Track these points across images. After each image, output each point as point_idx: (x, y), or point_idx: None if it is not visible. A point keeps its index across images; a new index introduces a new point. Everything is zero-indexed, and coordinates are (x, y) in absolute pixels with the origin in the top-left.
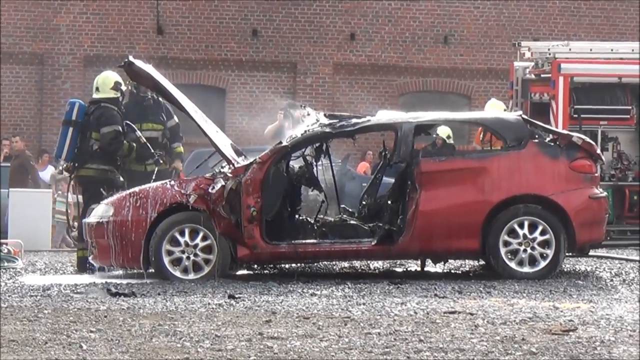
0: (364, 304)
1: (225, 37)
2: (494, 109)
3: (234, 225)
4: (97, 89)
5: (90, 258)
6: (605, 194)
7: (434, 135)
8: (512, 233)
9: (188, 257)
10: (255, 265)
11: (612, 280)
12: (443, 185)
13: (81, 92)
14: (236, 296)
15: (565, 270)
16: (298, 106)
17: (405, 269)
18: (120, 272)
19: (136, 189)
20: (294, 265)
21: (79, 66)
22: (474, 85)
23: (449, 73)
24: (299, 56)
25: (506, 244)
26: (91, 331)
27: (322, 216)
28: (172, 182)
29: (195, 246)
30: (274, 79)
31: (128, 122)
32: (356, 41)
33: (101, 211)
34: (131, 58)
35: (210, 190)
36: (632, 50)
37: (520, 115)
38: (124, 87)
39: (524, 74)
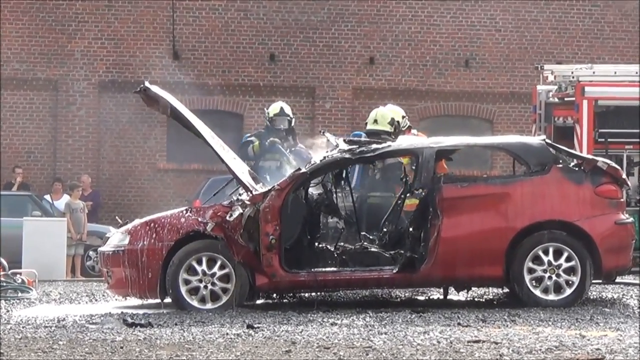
0: (385, 333)
1: (242, 61)
2: (391, 114)
3: (252, 253)
4: (375, 121)
5: (105, 288)
6: (631, 219)
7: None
8: (537, 260)
9: (205, 286)
10: (274, 294)
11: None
12: (465, 211)
13: (96, 119)
14: (255, 326)
15: (592, 297)
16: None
17: (427, 297)
18: (137, 302)
19: (153, 216)
20: (313, 294)
21: (94, 92)
22: (496, 109)
23: (471, 97)
24: (318, 80)
25: (531, 271)
26: None
27: (342, 244)
28: (189, 210)
29: (213, 275)
30: (292, 103)
31: None
32: (376, 65)
33: (117, 240)
34: (147, 84)
35: (228, 218)
36: None
37: (544, 140)
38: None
39: (547, 98)
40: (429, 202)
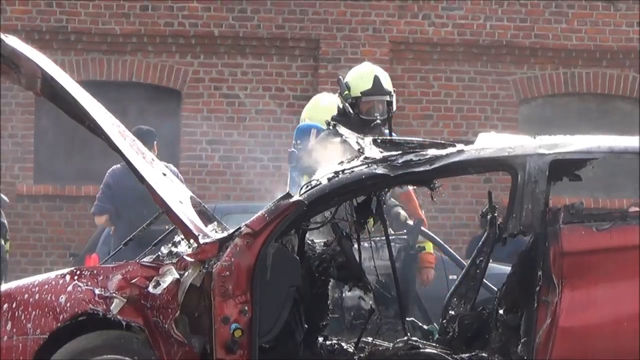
0: None
1: None
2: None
3: (197, 356)
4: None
5: None
6: None
7: None
8: None
9: None
10: None
11: None
12: (605, 277)
13: None
14: None
15: None
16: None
17: None
18: None
19: (9, 285)
20: None
21: None
22: None
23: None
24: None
25: None
26: None
27: (370, 339)
28: (78, 273)
29: None
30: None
31: None
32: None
33: None
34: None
35: (151, 289)
36: None
37: None
38: None
39: None
40: (536, 259)
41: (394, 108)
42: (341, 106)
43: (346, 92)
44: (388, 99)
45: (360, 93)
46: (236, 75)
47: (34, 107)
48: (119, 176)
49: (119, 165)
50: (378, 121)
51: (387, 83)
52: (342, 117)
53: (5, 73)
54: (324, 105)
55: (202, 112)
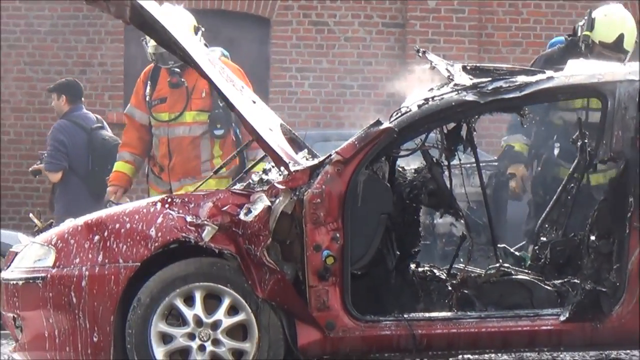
0: None
1: None
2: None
3: (288, 283)
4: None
5: (11, 350)
6: None
7: None
8: None
9: (202, 347)
10: None
11: None
12: None
13: None
14: None
15: None
16: None
17: None
18: None
19: (98, 214)
20: None
21: None
22: None
23: None
24: None
25: None
26: None
27: (462, 265)
28: (169, 201)
29: (216, 325)
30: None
31: None
32: None
33: (31, 258)
34: None
35: (242, 216)
36: None
37: None
38: None
39: None
40: (627, 186)
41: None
42: (578, 37)
43: (587, 32)
44: (623, 57)
45: (599, 42)
46: (325, 2)
47: (123, 35)
48: (71, 133)
49: (65, 121)
50: None
51: (629, 43)
52: (571, 46)
53: (94, 1)
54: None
55: (291, 40)
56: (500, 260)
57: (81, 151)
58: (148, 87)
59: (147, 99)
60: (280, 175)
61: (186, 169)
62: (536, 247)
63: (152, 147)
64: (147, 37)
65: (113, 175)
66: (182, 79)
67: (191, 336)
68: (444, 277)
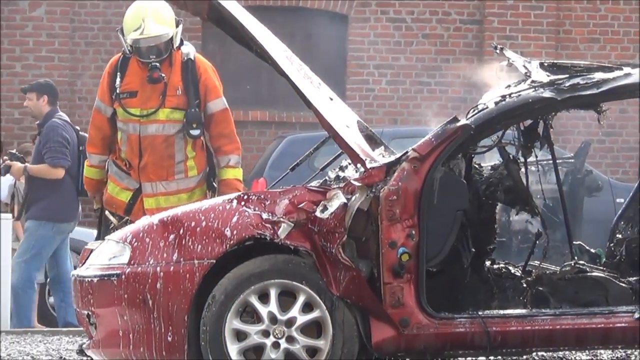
0: None
1: None
2: None
3: (364, 281)
4: None
5: (86, 345)
6: None
7: None
8: None
9: (276, 344)
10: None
11: None
12: None
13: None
14: None
15: None
16: None
17: None
18: None
19: (174, 210)
20: (482, 359)
21: None
22: None
23: None
24: None
25: None
26: None
27: (537, 263)
28: (245, 198)
29: (291, 323)
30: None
31: None
32: None
33: (106, 256)
34: None
35: (318, 213)
36: None
37: None
38: None
39: None
40: None
41: None
42: None
43: None
44: None
45: None
46: None
47: (200, 32)
48: (69, 132)
49: (60, 120)
50: None
51: None
52: None
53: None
54: None
55: (369, 37)
56: (576, 257)
57: (75, 151)
58: (118, 79)
59: (117, 91)
60: (356, 172)
61: (159, 169)
62: (611, 244)
63: (115, 142)
64: (123, 28)
65: (87, 182)
66: (162, 74)
67: (265, 333)
68: (519, 275)
